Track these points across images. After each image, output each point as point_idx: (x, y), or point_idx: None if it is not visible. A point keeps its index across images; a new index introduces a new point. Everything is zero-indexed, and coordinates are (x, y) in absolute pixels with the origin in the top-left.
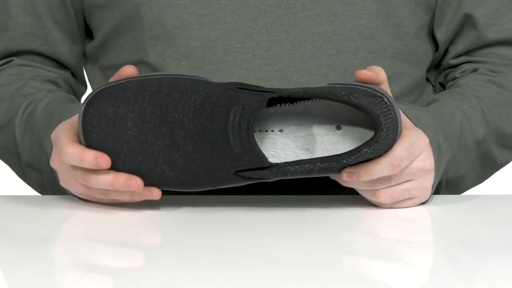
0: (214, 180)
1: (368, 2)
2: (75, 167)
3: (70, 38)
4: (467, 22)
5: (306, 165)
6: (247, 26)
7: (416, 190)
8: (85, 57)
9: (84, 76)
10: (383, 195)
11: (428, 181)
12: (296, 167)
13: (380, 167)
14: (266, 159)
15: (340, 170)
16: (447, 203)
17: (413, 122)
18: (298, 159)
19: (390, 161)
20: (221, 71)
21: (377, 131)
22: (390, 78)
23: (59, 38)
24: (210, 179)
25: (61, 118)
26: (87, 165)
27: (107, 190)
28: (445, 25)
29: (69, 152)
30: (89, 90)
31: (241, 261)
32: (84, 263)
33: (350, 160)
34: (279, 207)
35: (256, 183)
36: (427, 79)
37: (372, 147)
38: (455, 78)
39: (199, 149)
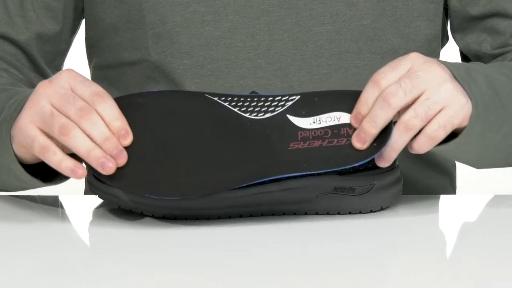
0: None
1: (371, 2)
2: (75, 98)
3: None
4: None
5: None
6: (249, 25)
7: (433, 92)
8: None
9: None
10: (411, 119)
11: (437, 74)
12: None
13: (367, 91)
14: None
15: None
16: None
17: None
18: None
19: (371, 81)
20: (222, 70)
21: None
22: None
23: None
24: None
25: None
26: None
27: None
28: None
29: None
30: None
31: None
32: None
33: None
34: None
35: None
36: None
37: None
38: None
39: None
